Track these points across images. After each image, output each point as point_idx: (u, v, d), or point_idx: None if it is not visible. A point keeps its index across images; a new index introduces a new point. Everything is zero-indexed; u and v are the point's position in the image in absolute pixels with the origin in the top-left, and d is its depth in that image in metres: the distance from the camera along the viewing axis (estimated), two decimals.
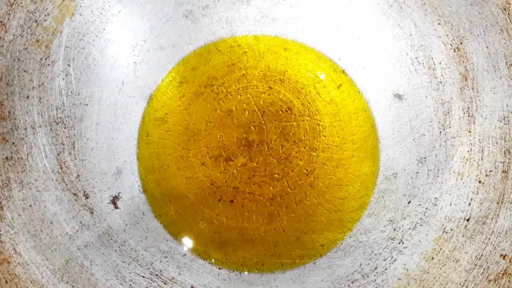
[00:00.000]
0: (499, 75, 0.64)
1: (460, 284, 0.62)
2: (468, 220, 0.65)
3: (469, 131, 0.67)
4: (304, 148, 0.72)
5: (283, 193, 0.71)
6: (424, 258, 0.65)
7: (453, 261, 0.63)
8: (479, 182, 0.66)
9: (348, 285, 0.66)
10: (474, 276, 0.62)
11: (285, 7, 0.74)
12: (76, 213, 0.64)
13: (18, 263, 0.58)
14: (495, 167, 0.65)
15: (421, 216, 0.68)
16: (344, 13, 0.73)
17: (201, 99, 0.73)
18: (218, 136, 0.72)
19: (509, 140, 0.64)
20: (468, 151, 0.67)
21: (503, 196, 0.63)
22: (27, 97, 0.62)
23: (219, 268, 0.69)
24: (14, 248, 0.58)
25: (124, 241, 0.67)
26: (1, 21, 0.60)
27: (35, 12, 0.62)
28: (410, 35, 0.71)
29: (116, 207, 0.68)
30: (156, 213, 0.70)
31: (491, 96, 0.65)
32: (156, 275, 0.66)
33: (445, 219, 0.66)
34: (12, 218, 0.59)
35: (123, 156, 0.70)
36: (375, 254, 0.68)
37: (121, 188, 0.69)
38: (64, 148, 0.65)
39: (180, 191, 0.71)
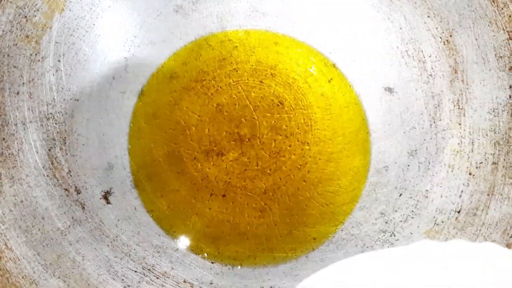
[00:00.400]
0: (488, 67, 0.65)
1: None
2: (459, 212, 0.65)
3: (459, 124, 0.68)
4: (297, 141, 0.72)
5: (275, 188, 0.72)
6: None
7: None
8: (470, 174, 0.66)
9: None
10: None
11: (275, 2, 0.74)
12: (67, 209, 0.64)
13: (10, 258, 0.58)
14: (485, 159, 0.65)
15: (412, 208, 0.69)
16: (334, 7, 0.73)
17: (192, 94, 0.73)
18: (209, 130, 0.72)
19: (498, 132, 0.64)
20: (458, 144, 0.67)
21: (493, 187, 0.64)
22: (17, 93, 0.62)
23: (212, 262, 0.69)
24: (6, 244, 0.58)
25: (116, 236, 0.67)
26: None
27: (24, 8, 0.62)
28: (400, 28, 0.71)
29: (108, 202, 0.68)
30: (148, 208, 0.71)
31: (480, 88, 0.66)
32: (149, 269, 0.66)
33: (436, 211, 0.67)
34: (3, 214, 0.59)
35: (115, 152, 0.70)
36: (367, 247, 0.68)
37: (112, 183, 0.69)
38: (55, 144, 0.65)
39: (172, 186, 0.71)
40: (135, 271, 0.65)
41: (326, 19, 0.74)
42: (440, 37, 0.68)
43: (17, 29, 0.62)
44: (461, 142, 0.67)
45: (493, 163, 0.64)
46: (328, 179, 0.72)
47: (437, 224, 0.66)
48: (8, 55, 0.61)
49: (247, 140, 0.72)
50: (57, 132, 0.66)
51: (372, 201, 0.70)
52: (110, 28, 0.70)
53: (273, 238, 0.71)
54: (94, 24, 0.69)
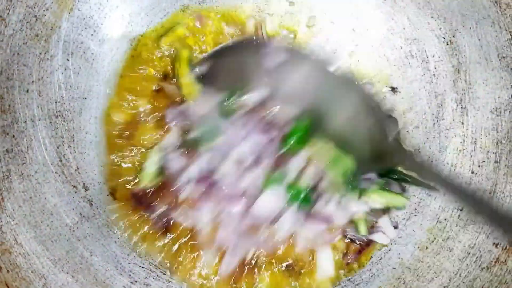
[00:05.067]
0: (491, 67, 0.65)
1: (453, 273, 0.63)
2: (461, 210, 0.66)
3: (462, 123, 0.68)
4: None
5: None
6: (418, 247, 0.66)
7: (447, 250, 0.65)
8: (472, 172, 0.67)
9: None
10: (467, 264, 0.63)
11: (281, 2, 0.75)
12: (75, 205, 0.65)
13: (19, 254, 0.59)
14: (488, 158, 0.66)
15: (415, 206, 0.69)
16: (339, 7, 0.74)
17: None
18: None
19: (501, 131, 0.65)
20: (461, 142, 0.68)
21: (495, 186, 0.64)
22: (27, 91, 0.63)
23: None
24: (15, 239, 0.59)
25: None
26: (1, 16, 0.60)
27: (34, 7, 0.63)
28: (404, 28, 0.72)
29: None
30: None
31: (483, 88, 0.66)
32: (155, 265, 0.67)
33: (439, 209, 0.67)
34: (13, 210, 0.60)
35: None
36: None
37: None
38: (63, 141, 0.66)
39: None
40: (142, 267, 0.66)
41: (330, 19, 0.75)
42: (444, 38, 0.69)
43: (27, 28, 0.62)
44: (464, 141, 0.68)
45: (495, 161, 0.65)
46: None
47: (440, 222, 0.67)
48: (18, 53, 0.62)
49: None
50: (66, 129, 0.67)
51: None
52: (118, 27, 0.71)
53: None
54: (102, 24, 0.70)
